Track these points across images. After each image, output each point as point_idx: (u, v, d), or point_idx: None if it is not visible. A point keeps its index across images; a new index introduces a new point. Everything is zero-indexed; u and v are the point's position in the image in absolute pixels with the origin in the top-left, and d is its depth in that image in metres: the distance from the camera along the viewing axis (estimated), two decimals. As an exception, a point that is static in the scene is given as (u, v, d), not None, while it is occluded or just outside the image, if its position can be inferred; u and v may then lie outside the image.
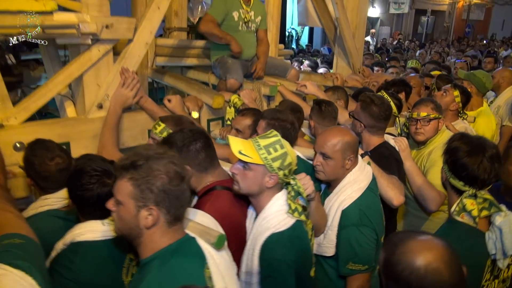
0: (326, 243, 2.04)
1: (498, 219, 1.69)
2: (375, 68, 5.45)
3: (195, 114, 2.67)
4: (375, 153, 2.50)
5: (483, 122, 3.48)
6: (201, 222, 1.56)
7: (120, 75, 2.41)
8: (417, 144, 2.81)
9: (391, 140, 2.62)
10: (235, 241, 1.74)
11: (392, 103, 2.90)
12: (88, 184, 1.56)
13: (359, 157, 2.16)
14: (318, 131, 2.75)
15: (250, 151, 1.69)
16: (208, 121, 2.88)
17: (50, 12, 2.02)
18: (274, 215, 1.74)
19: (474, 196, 1.77)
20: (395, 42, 16.55)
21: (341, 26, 3.72)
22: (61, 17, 2.08)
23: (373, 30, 17.19)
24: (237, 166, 1.75)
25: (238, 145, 1.71)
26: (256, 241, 1.70)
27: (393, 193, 2.20)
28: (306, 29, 16.14)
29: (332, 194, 2.10)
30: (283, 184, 1.79)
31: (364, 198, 2.03)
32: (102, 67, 2.38)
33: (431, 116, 2.67)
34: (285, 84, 3.36)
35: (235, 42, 3.26)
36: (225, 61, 3.30)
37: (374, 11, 18.66)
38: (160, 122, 2.15)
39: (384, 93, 2.98)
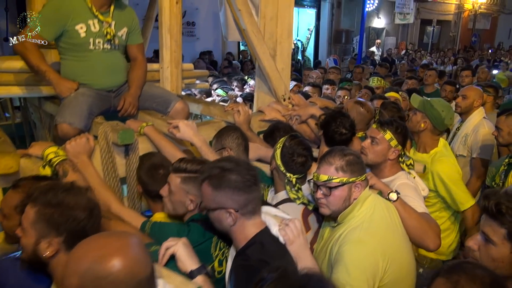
0: None
1: None
2: (325, 87, 4.34)
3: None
4: (238, 258, 1.49)
5: (446, 168, 2.39)
6: None
7: None
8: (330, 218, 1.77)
9: (273, 227, 1.56)
10: None
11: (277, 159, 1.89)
12: None
13: None
14: None
15: None
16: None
17: None
18: None
19: None
20: (403, 52, 16.05)
21: (251, 40, 2.64)
22: None
23: (378, 41, 16.93)
24: None
25: None
26: None
27: None
28: (312, 39, 15.36)
29: None
30: None
31: None
32: None
33: (333, 181, 1.62)
34: (158, 124, 2.34)
35: (59, 83, 2.26)
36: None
37: (380, 22, 18.36)
38: None
39: (287, 141, 1.95)
